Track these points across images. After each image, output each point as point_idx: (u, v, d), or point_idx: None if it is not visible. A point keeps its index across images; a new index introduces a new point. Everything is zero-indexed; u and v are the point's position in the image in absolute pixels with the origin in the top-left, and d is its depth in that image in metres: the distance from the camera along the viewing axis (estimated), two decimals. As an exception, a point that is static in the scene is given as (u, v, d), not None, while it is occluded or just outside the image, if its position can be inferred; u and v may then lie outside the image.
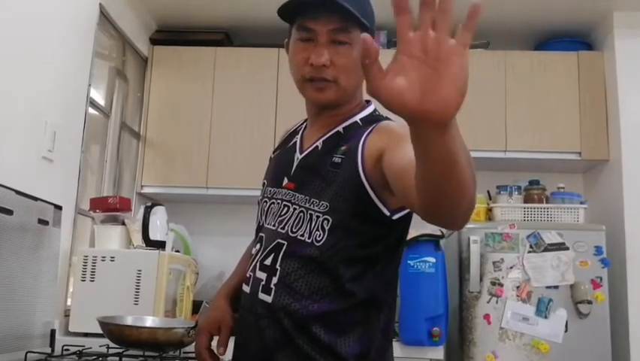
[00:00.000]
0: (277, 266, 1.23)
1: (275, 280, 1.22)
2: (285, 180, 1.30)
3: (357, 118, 1.29)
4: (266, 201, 1.34)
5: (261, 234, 1.32)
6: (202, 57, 3.44)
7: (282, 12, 1.24)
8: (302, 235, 1.21)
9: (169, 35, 3.54)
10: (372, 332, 1.22)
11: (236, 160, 3.31)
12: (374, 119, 1.29)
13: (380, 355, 1.24)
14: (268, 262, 1.25)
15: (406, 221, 1.23)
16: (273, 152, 1.47)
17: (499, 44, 3.49)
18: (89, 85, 2.74)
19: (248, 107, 3.38)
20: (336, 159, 1.22)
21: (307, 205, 1.22)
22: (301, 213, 1.22)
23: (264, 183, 1.40)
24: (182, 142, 3.37)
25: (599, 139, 3.26)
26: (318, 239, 1.19)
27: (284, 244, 1.23)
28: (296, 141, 1.37)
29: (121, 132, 3.25)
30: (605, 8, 3.24)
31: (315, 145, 1.30)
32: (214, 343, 1.40)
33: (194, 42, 3.48)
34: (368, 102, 1.35)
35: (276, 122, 3.29)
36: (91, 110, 2.83)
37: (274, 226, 1.27)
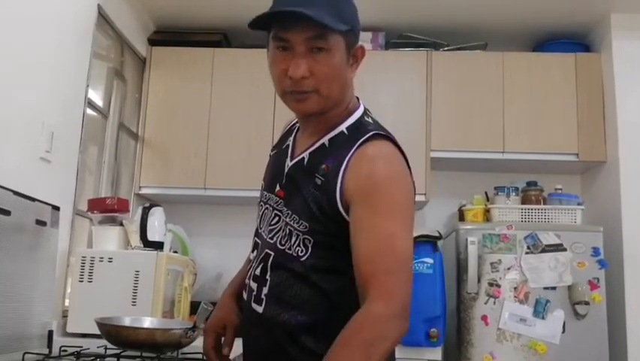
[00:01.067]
0: (267, 277, 1.24)
1: (265, 290, 1.23)
2: (277, 187, 1.29)
3: (344, 127, 1.25)
4: (262, 205, 1.34)
5: (257, 240, 1.33)
6: (200, 58, 3.44)
7: (255, 24, 1.18)
8: (289, 249, 1.21)
9: (167, 36, 3.54)
10: None
11: (234, 161, 3.31)
12: (360, 127, 1.24)
13: None
14: (259, 272, 1.26)
15: None
16: (272, 149, 1.44)
17: (497, 46, 3.49)
18: (87, 85, 2.74)
19: (246, 108, 3.38)
20: (318, 181, 1.20)
21: (289, 221, 1.22)
22: (287, 228, 1.22)
23: (262, 185, 1.39)
24: (180, 143, 3.37)
25: (596, 140, 3.27)
26: (301, 255, 1.19)
27: (271, 254, 1.24)
28: (289, 145, 1.35)
29: (119, 133, 3.25)
30: (603, 10, 3.25)
31: (302, 156, 1.28)
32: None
33: (192, 43, 3.49)
34: (358, 99, 1.32)
35: (274, 123, 3.29)
36: (89, 111, 2.83)
37: (266, 234, 1.28)
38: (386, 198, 1.13)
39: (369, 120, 1.28)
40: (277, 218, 1.26)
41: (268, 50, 1.25)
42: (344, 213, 1.16)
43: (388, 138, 1.22)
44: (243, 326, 1.32)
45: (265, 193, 1.34)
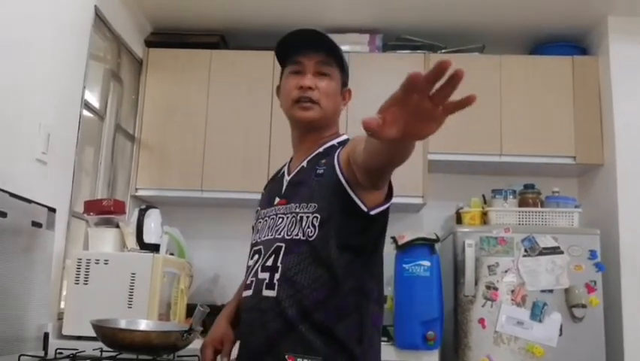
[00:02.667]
0: (278, 264, 1.39)
1: (277, 275, 1.38)
2: (277, 200, 1.50)
3: (335, 142, 1.53)
4: (260, 222, 1.54)
5: (258, 247, 1.48)
6: (197, 60, 3.44)
7: (279, 49, 1.53)
8: (297, 235, 1.39)
9: (164, 37, 3.53)
10: (364, 321, 1.37)
11: (231, 163, 3.30)
12: (349, 140, 1.47)
13: (371, 345, 1.39)
14: (270, 263, 1.41)
15: (383, 217, 1.39)
16: (264, 187, 1.69)
17: (495, 48, 3.49)
18: (84, 87, 2.73)
19: (243, 109, 3.37)
20: (320, 170, 1.43)
21: (298, 210, 1.41)
22: (293, 219, 1.41)
23: (257, 210, 1.60)
24: (177, 145, 3.36)
25: (593, 143, 3.27)
26: (311, 235, 1.37)
27: (282, 245, 1.40)
28: (284, 171, 1.59)
29: (115, 135, 3.24)
30: (600, 13, 3.25)
31: (300, 166, 1.52)
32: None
33: (189, 44, 3.48)
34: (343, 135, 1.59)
35: (271, 124, 3.29)
36: (85, 113, 2.82)
37: (271, 235, 1.45)
38: None
39: None
40: (281, 219, 1.44)
41: (280, 83, 1.58)
42: (344, 183, 1.34)
43: None
44: (244, 322, 1.45)
45: (262, 211, 1.55)
